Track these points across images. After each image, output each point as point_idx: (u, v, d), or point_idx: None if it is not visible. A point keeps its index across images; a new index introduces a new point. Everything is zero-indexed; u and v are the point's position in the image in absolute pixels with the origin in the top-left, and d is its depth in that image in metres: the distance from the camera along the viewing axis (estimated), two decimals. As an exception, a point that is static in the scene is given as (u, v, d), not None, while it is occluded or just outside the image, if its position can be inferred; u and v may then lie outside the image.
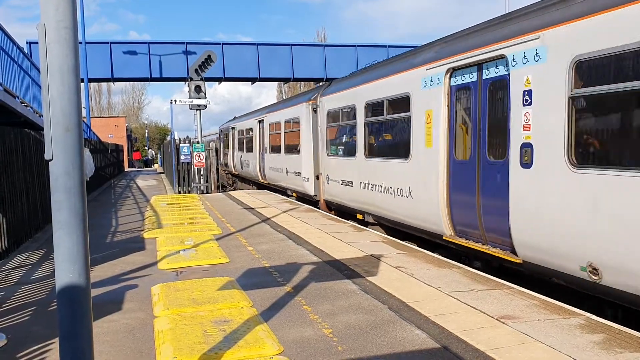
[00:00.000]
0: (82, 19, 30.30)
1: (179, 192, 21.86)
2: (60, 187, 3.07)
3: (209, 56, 21.62)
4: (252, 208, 15.77)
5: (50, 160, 3.05)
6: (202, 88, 22.22)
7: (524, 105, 7.12)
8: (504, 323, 5.40)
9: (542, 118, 6.79)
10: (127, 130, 64.18)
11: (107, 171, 31.72)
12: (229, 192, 22.38)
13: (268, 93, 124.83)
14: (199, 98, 22.09)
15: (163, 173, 37.50)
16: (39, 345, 5.17)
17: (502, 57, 7.61)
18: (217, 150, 25.12)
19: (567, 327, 5.24)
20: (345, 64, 33.12)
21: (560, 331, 5.14)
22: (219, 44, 31.69)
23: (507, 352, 4.67)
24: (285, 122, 19.46)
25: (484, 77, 8.15)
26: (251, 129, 24.63)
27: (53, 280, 7.72)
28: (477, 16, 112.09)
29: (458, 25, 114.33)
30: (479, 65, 8.24)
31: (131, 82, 74.22)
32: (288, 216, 13.71)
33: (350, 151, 13.39)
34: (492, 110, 7.97)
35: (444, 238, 9.12)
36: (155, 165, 61.32)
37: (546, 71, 6.75)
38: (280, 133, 20.09)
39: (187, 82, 22.97)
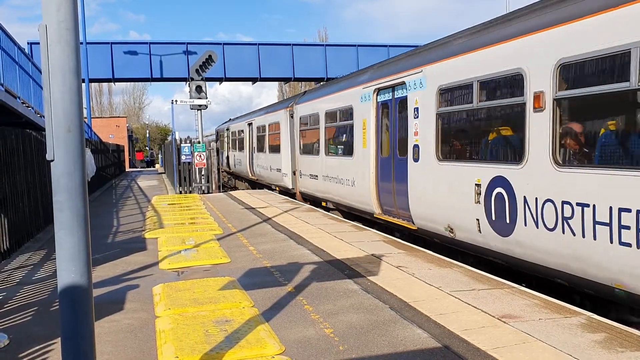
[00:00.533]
0: (83, 19, 30.32)
1: (180, 192, 21.87)
2: (61, 188, 3.08)
3: (210, 56, 21.64)
4: (253, 208, 15.78)
5: (52, 160, 3.06)
6: (203, 88, 22.24)
7: (414, 118, 10.05)
8: (505, 322, 5.40)
9: (424, 127, 9.69)
10: (128, 130, 64.22)
11: (109, 171, 31.75)
12: (230, 192, 22.40)
13: (269, 93, 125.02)
14: (200, 98, 22.10)
15: (164, 173, 37.52)
16: (41, 346, 5.18)
17: (404, 83, 10.50)
18: (217, 150, 25.20)
19: (569, 327, 5.25)
20: (346, 64, 33.11)
21: (562, 330, 5.14)
22: (220, 44, 31.71)
23: (509, 351, 4.67)
24: (269, 125, 21.85)
25: (395, 96, 11.08)
26: (242, 131, 26.95)
27: (55, 281, 7.73)
28: (477, 15, 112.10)
29: (458, 24, 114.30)
30: (393, 88, 11.12)
31: (132, 83, 74.27)
32: (289, 216, 13.72)
33: (316, 150, 16.10)
34: (400, 121, 10.88)
35: (374, 216, 12.09)
36: (156, 165, 61.39)
37: (425, 95, 9.64)
38: (265, 135, 22.46)
39: (188, 82, 22.99)
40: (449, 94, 9.09)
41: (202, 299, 6.36)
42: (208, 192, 21.84)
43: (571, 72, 6.45)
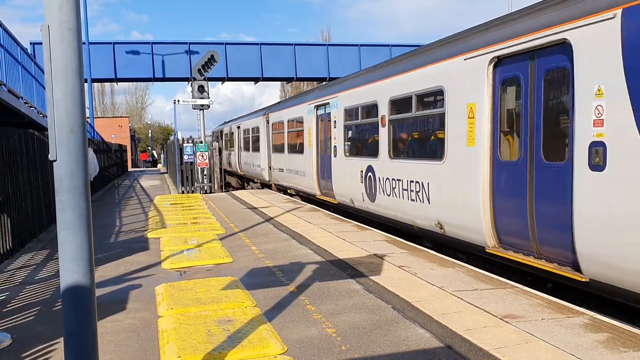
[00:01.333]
0: (86, 19, 30.36)
1: (183, 192, 21.89)
2: (64, 188, 3.08)
3: (212, 56, 21.65)
4: (256, 208, 15.78)
5: (55, 161, 3.07)
6: (206, 88, 22.25)
7: (333, 127, 14.57)
8: (507, 322, 5.39)
9: (338, 134, 14.23)
10: (130, 130, 64.30)
11: (111, 171, 31.79)
12: (233, 192, 22.41)
13: (271, 93, 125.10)
14: (202, 98, 22.11)
15: (166, 173, 37.56)
16: (44, 345, 5.19)
17: (328, 103, 15.01)
18: (220, 150, 25.47)
19: (571, 326, 5.24)
20: (348, 64, 33.13)
21: (564, 330, 5.13)
22: (222, 43, 31.72)
23: (511, 351, 4.67)
24: (251, 129, 26.02)
25: (326, 111, 15.39)
26: (233, 133, 30.52)
27: (57, 280, 7.74)
28: (478, 15, 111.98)
29: (461, 24, 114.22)
30: (325, 105, 15.37)
31: (134, 82, 74.34)
32: (291, 216, 13.72)
33: (282, 149, 20.37)
34: (326, 130, 15.28)
35: (317, 197, 16.46)
36: (158, 165, 61.49)
37: (339, 112, 14.13)
38: (249, 137, 26.46)
39: (190, 82, 23.00)
40: (349, 112, 13.64)
41: (204, 299, 6.36)
42: (210, 192, 21.85)
43: (394, 104, 11.08)
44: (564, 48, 6.57)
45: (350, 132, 13.75)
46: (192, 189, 21.89)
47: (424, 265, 7.90)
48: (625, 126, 5.65)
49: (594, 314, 5.69)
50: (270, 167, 22.36)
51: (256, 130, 24.82)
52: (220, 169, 23.28)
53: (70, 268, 3.13)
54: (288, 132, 19.43)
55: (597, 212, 5.98)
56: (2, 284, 7.70)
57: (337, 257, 8.59)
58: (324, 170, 15.61)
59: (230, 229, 11.89)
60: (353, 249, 9.19)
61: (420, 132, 10.40)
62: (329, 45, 34.69)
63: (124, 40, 31.39)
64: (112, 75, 30.31)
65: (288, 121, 19.29)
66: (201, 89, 22.14)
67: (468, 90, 8.39)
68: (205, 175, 21.88)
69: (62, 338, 5.21)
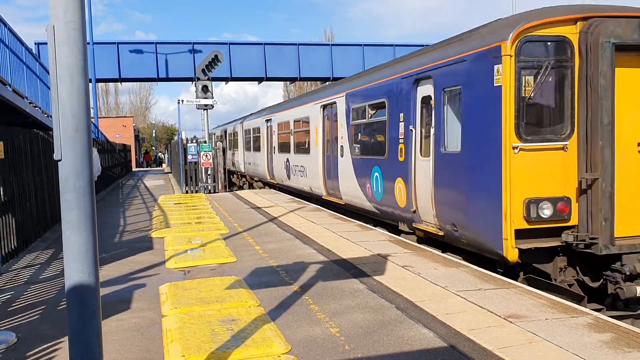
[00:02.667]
0: (90, 19, 30.44)
1: (187, 192, 21.92)
2: (69, 187, 3.09)
3: (216, 56, 21.67)
4: (259, 207, 15.80)
5: (60, 160, 3.08)
6: (209, 88, 22.27)
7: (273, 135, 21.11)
8: (511, 322, 5.39)
9: (274, 140, 21.02)
10: (134, 130, 64.41)
11: (115, 171, 31.85)
12: (236, 192, 22.43)
13: (274, 92, 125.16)
14: (206, 98, 22.14)
15: (170, 173, 37.61)
16: (48, 344, 5.22)
17: (270, 119, 21.72)
18: (224, 150, 25.69)
19: (575, 326, 5.23)
20: (352, 64, 33.10)
21: (568, 330, 5.13)
22: (226, 43, 31.74)
23: (515, 351, 4.67)
24: (233, 133, 31.38)
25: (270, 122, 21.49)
26: (223, 135, 35.35)
27: (61, 280, 7.77)
28: (482, 14, 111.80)
29: (463, 23, 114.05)
30: (270, 119, 21.65)
31: (138, 82, 74.43)
32: (294, 215, 13.73)
33: (250, 148, 26.29)
34: (298, 134, 18.53)
35: (267, 180, 22.57)
36: (162, 165, 61.59)
37: (271, 126, 21.67)
38: (232, 139, 31.63)
39: (194, 82, 23.03)
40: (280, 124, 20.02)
41: (208, 298, 6.38)
42: (214, 192, 21.88)
43: (299, 123, 17.78)
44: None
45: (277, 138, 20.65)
46: (196, 188, 21.92)
47: (427, 265, 7.90)
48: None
49: (598, 314, 5.68)
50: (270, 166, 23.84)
51: (236, 134, 29.46)
52: (224, 169, 23.45)
53: (75, 267, 3.15)
54: (252, 137, 25.50)
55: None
56: (7, 283, 7.74)
57: (341, 257, 8.59)
58: (283, 164, 20.19)
59: (234, 229, 11.91)
60: (357, 249, 9.20)
61: (299, 139, 17.98)
62: (332, 45, 34.64)
63: (128, 40, 31.46)
64: (117, 75, 30.36)
65: (250, 129, 26.25)
66: (205, 89, 22.17)
67: (316, 117, 15.89)
68: (209, 175, 21.91)
69: (67, 337, 5.25)
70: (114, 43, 30.29)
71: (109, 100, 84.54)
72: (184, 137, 22.58)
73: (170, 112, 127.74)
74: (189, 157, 21.69)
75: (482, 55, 7.66)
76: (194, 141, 22.01)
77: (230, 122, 35.27)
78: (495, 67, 7.38)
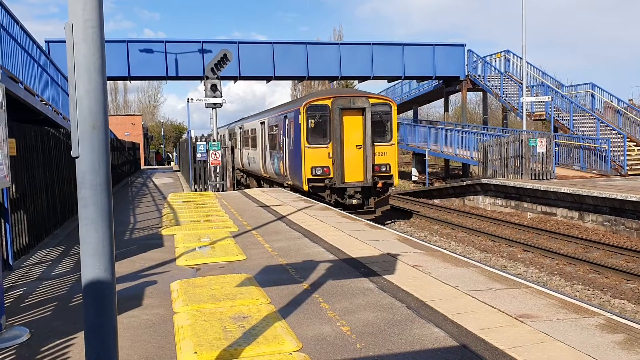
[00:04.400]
0: (100, 18, 30.50)
1: (196, 190, 21.99)
2: (86, 184, 3.11)
3: (225, 55, 21.71)
4: (268, 206, 15.83)
5: (77, 157, 3.10)
6: (218, 87, 22.32)
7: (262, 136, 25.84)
8: (522, 322, 5.38)
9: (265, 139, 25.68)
10: (143, 128, 64.63)
11: (124, 169, 31.99)
12: (245, 190, 22.47)
13: (282, 91, 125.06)
14: (215, 97, 22.19)
15: (179, 171, 37.73)
16: (61, 340, 5.26)
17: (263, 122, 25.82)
18: (232, 149, 25.85)
19: (587, 327, 5.22)
20: (360, 63, 33.07)
21: (580, 330, 5.11)
22: (235, 42, 31.77)
23: (527, 350, 4.66)
24: (230, 135, 35.36)
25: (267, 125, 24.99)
26: (235, 133, 37.34)
27: (73, 276, 7.83)
28: (493, 13, 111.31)
29: (473, 22, 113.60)
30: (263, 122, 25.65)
31: (147, 81, 74.67)
32: (303, 214, 13.75)
33: (245, 147, 29.65)
34: (271, 137, 23.76)
35: (262, 175, 25.27)
36: (171, 163, 61.84)
37: (262, 128, 25.32)
38: (232, 139, 34.45)
39: (203, 81, 23.08)
40: (271, 127, 23.07)
41: (219, 296, 6.40)
42: (223, 190, 21.93)
43: (248, 132, 28.39)
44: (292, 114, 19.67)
45: (272, 137, 23.13)
46: (205, 186, 21.99)
47: (437, 265, 7.90)
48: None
49: (610, 314, 5.66)
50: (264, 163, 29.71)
51: (234, 135, 33.66)
52: (233, 167, 23.53)
53: (91, 263, 3.17)
54: (247, 137, 29.07)
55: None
56: (19, 279, 7.80)
57: (350, 256, 8.60)
58: (277, 161, 23.30)
59: (243, 227, 11.94)
60: (366, 248, 9.20)
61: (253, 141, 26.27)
62: (341, 44, 34.54)
63: (137, 39, 31.45)
64: (126, 73, 30.45)
65: (246, 130, 29.34)
66: (214, 87, 22.22)
67: (259, 129, 25.21)
68: (217, 173, 21.97)
69: (79, 333, 5.30)
70: (124, 41, 30.39)
71: (117, 99, 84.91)
72: (193, 136, 22.64)
73: (178, 111, 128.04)
74: (198, 155, 21.75)
75: (297, 110, 18.33)
76: (204, 139, 22.06)
77: (231, 123, 40.02)
78: (300, 115, 17.82)
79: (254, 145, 27.15)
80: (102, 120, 3.12)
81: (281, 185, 21.36)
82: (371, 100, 17.70)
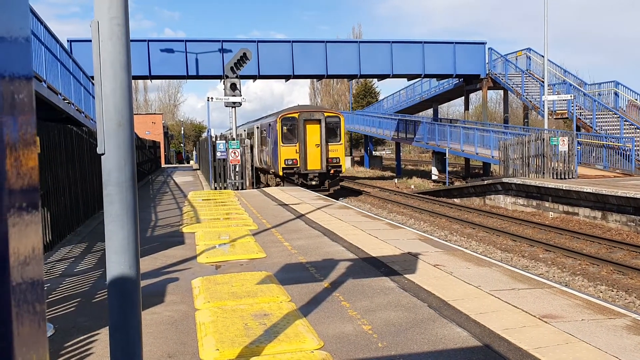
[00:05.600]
0: (121, 18, 30.75)
1: (215, 188, 22.11)
2: (112, 181, 3.14)
3: (244, 54, 21.79)
4: (287, 204, 15.85)
5: (103, 154, 3.13)
6: (238, 86, 22.41)
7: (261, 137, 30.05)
8: (546, 322, 5.31)
9: (265, 140, 29.65)
10: (163, 127, 65.17)
11: (145, 167, 32.28)
12: (264, 189, 22.55)
13: (300, 90, 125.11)
14: (235, 96, 22.28)
15: (199, 169, 37.97)
16: (85, 336, 5.31)
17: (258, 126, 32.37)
18: (252, 147, 26.12)
19: (613, 328, 5.13)
20: (380, 61, 32.93)
21: (606, 332, 5.03)
22: (254, 41, 31.85)
23: (551, 351, 4.60)
24: (248, 134, 36.54)
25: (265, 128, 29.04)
26: (253, 132, 41.63)
27: (96, 273, 7.91)
28: (515, 10, 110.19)
29: (493, 19, 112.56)
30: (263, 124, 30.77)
31: (167, 80, 75.22)
32: (322, 213, 13.74)
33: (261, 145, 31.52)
34: (262, 138, 29.73)
35: (256, 166, 28.35)
36: (191, 161, 62.34)
37: (255, 131, 32.18)
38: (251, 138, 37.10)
39: (222, 80, 23.18)
40: (262, 131, 28.92)
41: (240, 293, 6.42)
42: (242, 189, 22.02)
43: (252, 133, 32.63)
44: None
45: (263, 138, 28.10)
46: (225, 185, 22.10)
47: (459, 264, 7.83)
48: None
49: (637, 315, 5.56)
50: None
51: (251, 134, 34.92)
52: (252, 166, 23.70)
53: (116, 260, 3.20)
54: (262, 136, 30.59)
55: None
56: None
57: (370, 255, 8.57)
58: (265, 154, 28.56)
59: (263, 225, 11.97)
60: (386, 247, 9.16)
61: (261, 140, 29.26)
62: (360, 42, 34.44)
63: (158, 38, 31.68)
64: (147, 72, 30.67)
65: (261, 129, 31.39)
66: (233, 86, 22.31)
67: (255, 132, 31.32)
68: (237, 172, 22.06)
69: (103, 329, 5.35)
70: (145, 40, 30.62)
71: (138, 98, 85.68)
72: (212, 135, 22.76)
73: (197, 110, 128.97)
74: (218, 154, 21.86)
75: (275, 120, 24.89)
76: (225, 138, 22.17)
77: (246, 123, 41.87)
78: (277, 123, 24.40)
79: (252, 144, 29.68)
80: (128, 118, 3.14)
81: (268, 172, 28.21)
82: (326, 114, 24.65)
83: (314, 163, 24.03)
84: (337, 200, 21.20)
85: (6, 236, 0.63)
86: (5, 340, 0.58)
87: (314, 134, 24.11)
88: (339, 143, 24.67)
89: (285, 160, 23.92)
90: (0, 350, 0.59)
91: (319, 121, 24.15)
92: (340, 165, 24.48)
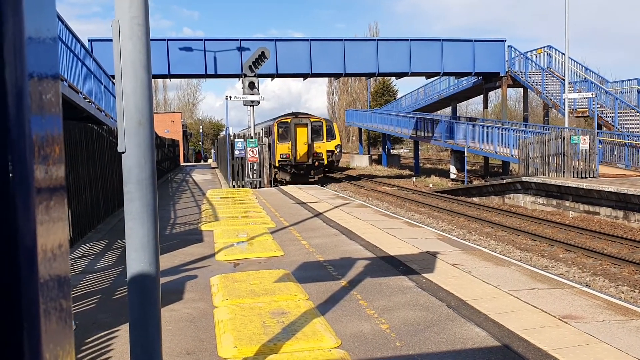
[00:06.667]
0: (141, 17, 31.01)
1: (233, 186, 22.22)
2: (132, 179, 3.17)
3: (263, 53, 21.85)
4: (304, 203, 15.87)
5: (123, 152, 3.16)
6: (256, 84, 22.48)
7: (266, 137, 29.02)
8: (566, 323, 5.26)
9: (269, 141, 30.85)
10: (182, 125, 65.64)
11: (164, 165, 32.54)
12: (281, 187, 22.61)
13: (318, 89, 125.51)
14: (253, 94, 22.36)
15: (217, 168, 38.20)
16: (105, 332, 5.38)
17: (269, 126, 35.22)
18: (269, 146, 26.39)
19: (635, 329, 5.06)
20: (398, 59, 32.80)
21: (628, 333, 4.96)
22: (272, 40, 31.91)
23: (571, 352, 4.55)
24: (265, 132, 38.74)
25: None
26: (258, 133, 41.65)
27: (116, 270, 8.00)
28: (532, 7, 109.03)
29: (511, 17, 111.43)
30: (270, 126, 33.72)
31: (186, 79, 75.73)
32: (340, 211, 13.74)
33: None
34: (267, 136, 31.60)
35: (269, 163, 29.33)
36: (209, 160, 62.76)
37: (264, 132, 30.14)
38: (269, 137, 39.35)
39: (240, 79, 23.28)
40: (265, 132, 29.36)
41: (258, 291, 6.45)
42: (260, 187, 22.10)
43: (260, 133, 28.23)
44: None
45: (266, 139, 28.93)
46: (243, 183, 22.19)
47: (478, 264, 7.78)
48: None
49: (659, 317, 5.48)
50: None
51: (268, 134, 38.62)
52: (270, 164, 23.93)
53: (137, 257, 3.23)
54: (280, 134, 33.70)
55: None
56: (64, 272, 8.00)
57: (388, 254, 8.55)
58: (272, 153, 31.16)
59: (280, 223, 12.01)
60: (404, 246, 9.13)
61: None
62: (378, 40, 34.33)
63: (177, 37, 31.92)
64: (166, 71, 30.91)
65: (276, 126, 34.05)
66: (251, 85, 22.39)
67: (261, 132, 25.66)
68: (255, 170, 22.15)
69: (123, 325, 5.40)
70: (164, 40, 30.85)
71: (157, 97, 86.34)
72: (231, 133, 22.86)
73: (216, 109, 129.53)
74: (236, 152, 21.96)
75: (272, 124, 31.25)
76: (243, 136, 22.26)
77: (264, 122, 43.79)
78: (274, 126, 30.49)
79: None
80: (148, 117, 3.17)
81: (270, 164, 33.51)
82: (311, 119, 31.14)
83: (303, 157, 30.23)
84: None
85: (34, 233, 0.64)
86: (33, 335, 0.59)
87: (302, 134, 30.26)
88: (322, 142, 30.99)
89: (280, 155, 30.10)
90: (29, 345, 0.60)
91: (306, 125, 30.49)
92: (323, 159, 31.04)
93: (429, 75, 35.69)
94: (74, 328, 5.48)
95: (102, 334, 5.35)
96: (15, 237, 0.62)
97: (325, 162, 31.53)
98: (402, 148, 73.28)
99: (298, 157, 30.25)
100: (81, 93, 14.57)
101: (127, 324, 3.36)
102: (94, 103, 16.45)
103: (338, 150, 38.59)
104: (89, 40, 28.88)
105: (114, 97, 19.52)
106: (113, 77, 21.00)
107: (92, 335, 5.32)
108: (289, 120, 30.82)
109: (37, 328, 0.61)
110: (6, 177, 0.63)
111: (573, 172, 22.09)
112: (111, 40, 3.18)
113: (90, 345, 5.08)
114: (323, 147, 30.99)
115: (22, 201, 0.63)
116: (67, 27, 12.91)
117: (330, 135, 36.17)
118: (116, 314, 5.88)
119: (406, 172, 42.67)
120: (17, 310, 0.61)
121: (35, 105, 0.66)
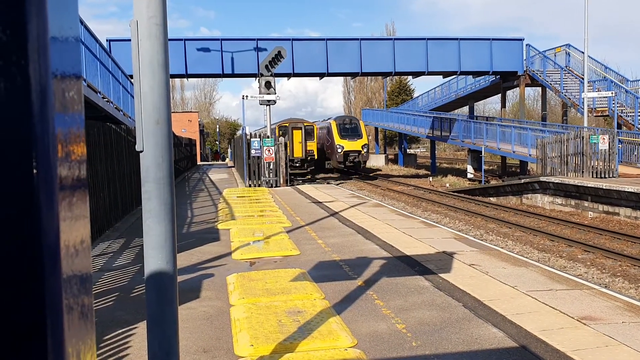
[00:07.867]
0: (158, 17, 31.22)
1: (250, 186, 22.30)
2: (150, 178, 3.20)
3: (279, 52, 21.89)
4: (320, 202, 15.88)
5: (141, 151, 3.19)
6: (272, 84, 22.54)
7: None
8: (585, 324, 5.20)
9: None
10: (199, 125, 66.04)
11: (181, 164, 32.77)
12: (297, 187, 22.65)
13: (333, 88, 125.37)
14: (269, 94, 22.42)
15: (234, 167, 38.37)
16: (123, 329, 5.43)
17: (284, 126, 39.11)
18: (286, 145, 26.22)
19: (655, 332, 4.99)
20: (415, 58, 32.67)
21: (648, 335, 4.89)
22: (289, 39, 31.95)
23: (590, 354, 4.50)
24: (282, 132, 40.31)
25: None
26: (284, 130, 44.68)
27: (134, 268, 8.07)
28: (550, 4, 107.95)
29: (529, 14, 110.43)
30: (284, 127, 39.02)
31: (203, 79, 76.15)
32: (356, 210, 13.73)
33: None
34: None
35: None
36: (225, 159, 63.12)
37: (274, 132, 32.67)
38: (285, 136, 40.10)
39: (257, 78, 23.35)
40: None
41: (274, 290, 6.47)
42: (276, 186, 22.16)
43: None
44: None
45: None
46: (259, 182, 22.27)
47: (495, 264, 7.73)
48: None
49: (680, 319, 5.40)
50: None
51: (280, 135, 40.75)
52: (286, 164, 23.64)
53: (154, 255, 3.25)
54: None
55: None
56: (83, 269, 8.09)
57: (404, 253, 8.53)
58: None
59: (297, 222, 12.02)
60: (420, 246, 9.10)
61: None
62: (395, 39, 34.21)
63: (194, 37, 32.12)
64: (183, 71, 31.10)
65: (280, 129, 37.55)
66: (268, 84, 22.45)
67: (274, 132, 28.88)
68: (271, 169, 22.21)
69: (140, 323, 5.45)
70: (181, 39, 31.04)
71: (174, 96, 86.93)
72: (248, 132, 22.95)
73: (232, 108, 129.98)
74: (253, 151, 22.04)
75: (274, 127, 31.20)
76: (259, 136, 22.33)
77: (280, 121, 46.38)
78: (276, 129, 32.61)
79: None
80: (166, 116, 3.19)
81: None
82: (305, 124, 36.62)
83: (298, 153, 35.64)
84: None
85: (58, 230, 0.65)
86: (56, 331, 0.60)
87: (298, 135, 35.97)
88: (314, 142, 36.86)
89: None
90: (52, 340, 0.61)
91: (301, 128, 36.25)
92: (314, 155, 36.67)
93: (445, 74, 35.51)
94: (92, 325, 5.56)
95: (120, 331, 5.40)
96: (39, 234, 0.63)
97: (316, 157, 37.15)
98: (418, 147, 73.00)
99: (294, 154, 35.50)
100: (100, 92, 14.72)
101: (145, 321, 3.39)
102: (112, 102, 16.62)
103: (365, 150, 36.73)
104: (107, 40, 29.16)
105: (132, 96, 19.69)
106: (131, 76, 21.12)
107: (110, 332, 5.37)
108: (287, 125, 36.76)
109: (60, 323, 0.62)
110: (30, 173, 0.64)
111: (592, 172, 21.85)
112: (129, 40, 3.20)
113: (109, 342, 5.13)
114: (314, 145, 37.36)
115: (46, 198, 0.65)
116: (86, 27, 13.05)
117: (357, 135, 37.06)
118: (134, 311, 5.94)
119: (423, 171, 42.51)
120: (40, 306, 0.62)
121: (58, 103, 0.67)
